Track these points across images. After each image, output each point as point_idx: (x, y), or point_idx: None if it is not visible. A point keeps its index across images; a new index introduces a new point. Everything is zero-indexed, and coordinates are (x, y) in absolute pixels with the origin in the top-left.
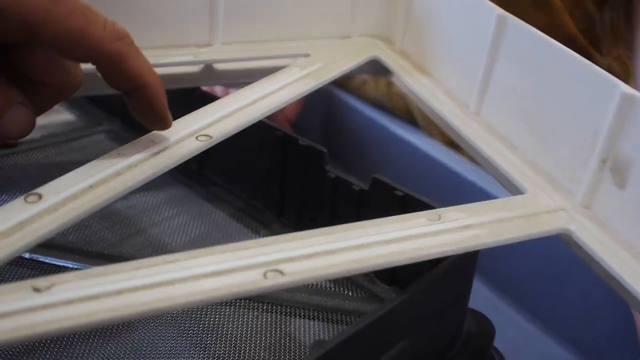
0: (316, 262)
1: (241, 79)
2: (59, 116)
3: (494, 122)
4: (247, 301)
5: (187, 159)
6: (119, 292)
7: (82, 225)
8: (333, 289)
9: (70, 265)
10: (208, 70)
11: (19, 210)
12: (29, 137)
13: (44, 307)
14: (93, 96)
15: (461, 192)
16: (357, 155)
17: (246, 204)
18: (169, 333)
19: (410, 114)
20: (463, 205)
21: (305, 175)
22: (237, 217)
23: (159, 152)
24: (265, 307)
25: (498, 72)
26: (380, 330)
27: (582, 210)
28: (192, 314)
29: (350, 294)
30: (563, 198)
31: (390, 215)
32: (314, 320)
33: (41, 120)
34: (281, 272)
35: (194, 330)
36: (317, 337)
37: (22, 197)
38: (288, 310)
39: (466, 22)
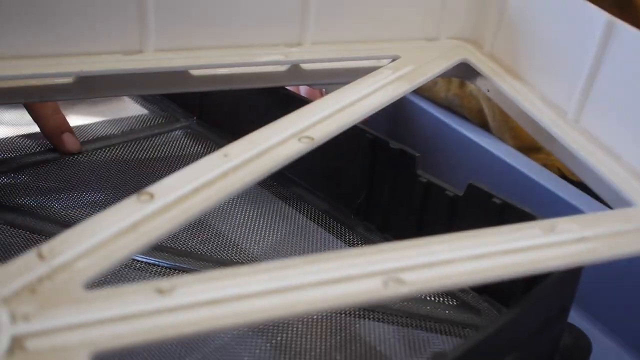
0: (436, 272)
1: (328, 79)
2: (136, 111)
3: (595, 131)
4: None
5: (291, 161)
6: (239, 298)
7: None
8: (424, 296)
9: (165, 265)
10: (296, 70)
11: (133, 210)
12: (110, 132)
13: (169, 310)
14: (169, 93)
15: (534, 199)
16: (424, 158)
17: (329, 206)
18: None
19: (482, 116)
20: (577, 216)
21: (394, 179)
22: (318, 220)
23: (263, 154)
24: (358, 313)
25: (602, 79)
26: (493, 344)
27: None
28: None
29: (441, 301)
30: None
31: (486, 223)
32: (408, 327)
33: (120, 114)
34: (402, 281)
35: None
36: (412, 345)
37: (135, 195)
38: (380, 316)
39: (569, 27)
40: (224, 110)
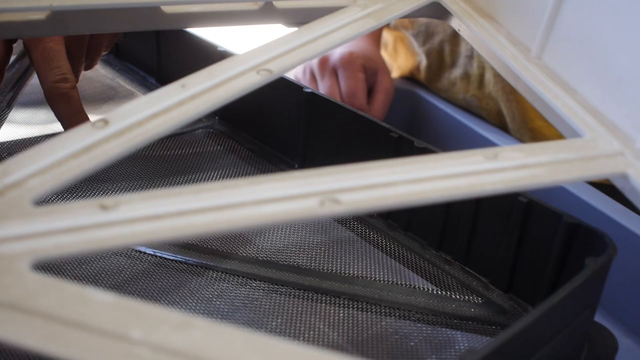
0: (373, 193)
1: (301, 18)
2: None
3: (555, 67)
4: (365, 304)
5: (247, 92)
6: (181, 214)
7: None
8: (449, 294)
9: (192, 262)
10: (268, 9)
11: (87, 134)
12: None
13: (110, 224)
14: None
15: (554, 202)
16: None
17: None
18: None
19: (500, 117)
20: (522, 145)
21: None
22: (341, 219)
23: (220, 85)
24: (382, 311)
25: (564, 15)
26: (521, 342)
27: None
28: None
29: (467, 299)
30: (623, 144)
31: (510, 221)
32: (433, 325)
33: None
34: (337, 201)
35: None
36: (437, 343)
37: (90, 123)
38: (406, 314)
39: None
40: (246, 110)
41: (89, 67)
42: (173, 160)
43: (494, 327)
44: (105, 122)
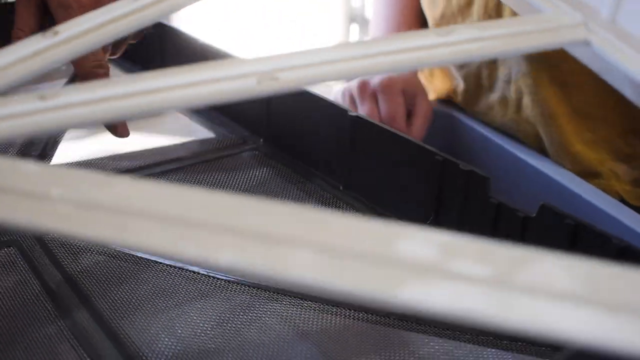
0: (311, 71)
1: None
2: (204, 133)
3: None
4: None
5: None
6: (116, 98)
7: None
8: None
9: (245, 283)
10: None
11: (37, 42)
12: (181, 154)
13: (46, 110)
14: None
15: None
16: None
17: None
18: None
19: (539, 141)
20: (478, 22)
21: (464, 200)
22: None
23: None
24: (432, 331)
25: None
26: None
27: (605, 25)
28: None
29: None
30: (585, 15)
31: (558, 244)
32: (485, 346)
33: (189, 136)
34: (276, 79)
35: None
36: None
37: (40, 33)
38: (456, 335)
39: None
40: (291, 132)
41: (113, 54)
42: (218, 183)
43: (543, 347)
44: (55, 32)
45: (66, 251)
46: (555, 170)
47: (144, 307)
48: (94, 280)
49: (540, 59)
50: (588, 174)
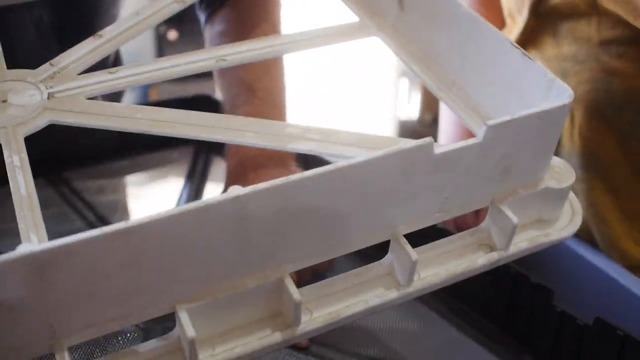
0: (254, 54)
1: None
2: None
3: None
4: None
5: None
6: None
7: None
8: None
9: None
10: None
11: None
12: None
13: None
14: None
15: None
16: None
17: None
18: None
19: (591, 237)
20: None
21: (531, 307)
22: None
23: None
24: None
25: None
26: None
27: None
28: None
29: None
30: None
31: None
32: None
33: None
34: (224, 60)
35: None
36: None
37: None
38: None
39: None
40: None
41: None
42: None
43: None
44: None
45: None
46: (606, 263)
47: None
48: None
49: (595, 166)
50: (636, 269)
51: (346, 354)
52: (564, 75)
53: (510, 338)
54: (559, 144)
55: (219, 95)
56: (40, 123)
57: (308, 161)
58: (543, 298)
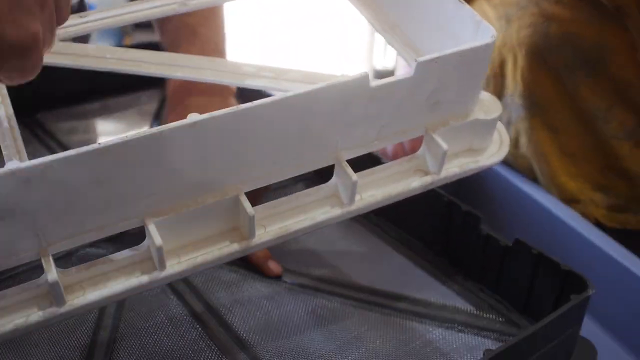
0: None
1: None
2: None
3: None
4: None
5: None
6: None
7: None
8: (482, 314)
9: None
10: None
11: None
12: None
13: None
14: None
15: (572, 244)
16: (483, 205)
17: (417, 245)
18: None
19: (532, 172)
20: None
21: (462, 231)
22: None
23: None
24: (433, 323)
25: None
26: (526, 346)
27: None
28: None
29: (493, 317)
30: None
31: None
32: (468, 334)
33: None
34: (187, 5)
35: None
36: (472, 346)
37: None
38: (448, 325)
39: None
40: None
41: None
42: None
43: (510, 337)
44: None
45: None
46: (544, 197)
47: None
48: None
49: (535, 106)
50: (571, 201)
51: (297, 274)
52: (508, 20)
53: (444, 260)
54: (504, 85)
55: (158, 37)
56: None
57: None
58: (472, 223)
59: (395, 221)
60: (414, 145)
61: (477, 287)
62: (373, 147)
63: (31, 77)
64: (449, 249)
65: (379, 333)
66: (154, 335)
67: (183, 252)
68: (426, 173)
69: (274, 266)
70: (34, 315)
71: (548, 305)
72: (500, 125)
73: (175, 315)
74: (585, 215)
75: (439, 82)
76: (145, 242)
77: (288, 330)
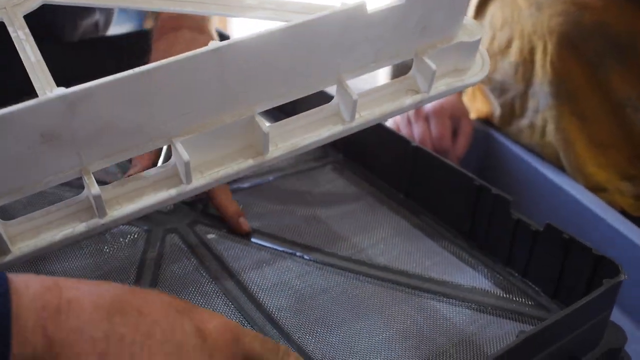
0: None
1: None
2: None
3: None
4: (452, 300)
5: None
6: None
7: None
8: (511, 297)
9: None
10: None
11: None
12: (275, 166)
13: None
14: None
15: (598, 232)
16: (509, 193)
17: (442, 228)
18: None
19: (559, 160)
20: None
21: (491, 215)
22: (430, 235)
23: None
24: (463, 305)
25: None
26: (554, 331)
27: None
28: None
29: (523, 301)
30: None
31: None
32: (499, 317)
33: None
34: None
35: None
36: (501, 328)
37: None
38: (478, 307)
39: None
40: (365, 151)
41: None
42: (306, 191)
43: (540, 320)
44: None
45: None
46: (570, 185)
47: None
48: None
49: (564, 95)
50: (597, 189)
51: (326, 254)
52: (538, 8)
53: (472, 244)
54: (533, 73)
55: None
56: (34, 4)
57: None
58: (502, 207)
59: (423, 204)
60: (441, 132)
61: (506, 271)
62: (371, 69)
63: None
64: (478, 233)
65: (408, 314)
66: None
67: (206, 167)
68: (417, 92)
69: (243, 223)
70: (79, 226)
71: (578, 290)
72: (482, 48)
73: (208, 291)
74: (611, 204)
75: (427, 8)
76: (172, 160)
77: (318, 308)
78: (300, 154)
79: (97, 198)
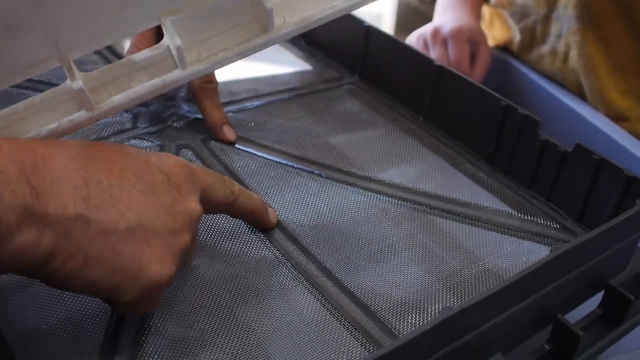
0: None
1: None
2: (309, 68)
3: None
4: (475, 221)
5: None
6: None
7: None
8: (537, 220)
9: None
10: None
11: None
12: (294, 84)
13: None
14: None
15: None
16: None
17: (463, 150)
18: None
19: (580, 88)
20: None
21: (518, 136)
22: (448, 159)
23: None
24: (488, 227)
25: None
26: (580, 254)
27: None
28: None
29: (548, 224)
30: None
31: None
32: (525, 240)
33: (295, 69)
34: None
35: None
36: (527, 250)
37: None
38: (504, 230)
39: None
40: (382, 72)
41: None
42: (323, 110)
43: (565, 243)
44: None
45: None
46: (591, 114)
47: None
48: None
49: (588, 18)
50: (619, 118)
51: (343, 173)
52: None
53: (495, 167)
54: None
55: None
56: None
57: None
58: (529, 127)
59: (443, 127)
60: (459, 56)
61: (530, 194)
62: None
63: (140, 312)
64: (501, 156)
65: (430, 234)
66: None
67: (202, 48)
68: None
69: (227, 131)
70: (64, 121)
71: (605, 213)
72: None
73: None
74: (633, 133)
75: None
76: (165, 41)
77: (338, 226)
78: (312, 71)
79: (80, 91)
